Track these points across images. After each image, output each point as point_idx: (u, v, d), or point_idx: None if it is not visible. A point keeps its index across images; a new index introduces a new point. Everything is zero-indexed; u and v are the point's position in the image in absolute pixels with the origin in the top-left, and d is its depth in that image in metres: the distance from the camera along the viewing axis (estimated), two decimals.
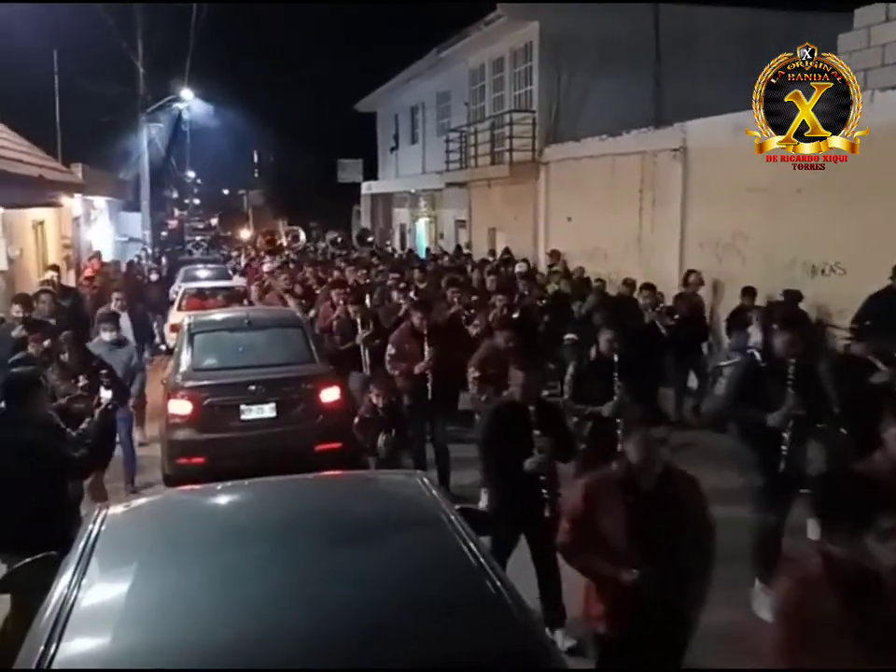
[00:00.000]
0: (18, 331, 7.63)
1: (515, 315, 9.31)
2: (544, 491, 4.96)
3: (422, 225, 26.46)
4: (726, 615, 4.67)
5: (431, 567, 2.80)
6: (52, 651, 2.30)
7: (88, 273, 16.05)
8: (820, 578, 2.81)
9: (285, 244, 30.35)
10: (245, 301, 13.00)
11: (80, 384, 5.81)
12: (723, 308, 10.66)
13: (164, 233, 39.65)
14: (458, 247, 20.02)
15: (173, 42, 25.04)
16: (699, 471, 3.99)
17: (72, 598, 2.55)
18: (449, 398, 8.06)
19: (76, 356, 6.78)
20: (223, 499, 3.67)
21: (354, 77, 29.09)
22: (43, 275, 13.12)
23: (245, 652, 2.30)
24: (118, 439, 7.48)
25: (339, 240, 29.19)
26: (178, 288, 16.04)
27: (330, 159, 35.44)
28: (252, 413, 7.67)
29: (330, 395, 7.83)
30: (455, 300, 9.66)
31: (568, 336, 9.23)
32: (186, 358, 8.00)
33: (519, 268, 14.14)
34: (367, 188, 31.16)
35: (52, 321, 8.44)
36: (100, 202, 24.28)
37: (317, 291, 12.00)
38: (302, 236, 26.55)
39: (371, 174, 31.81)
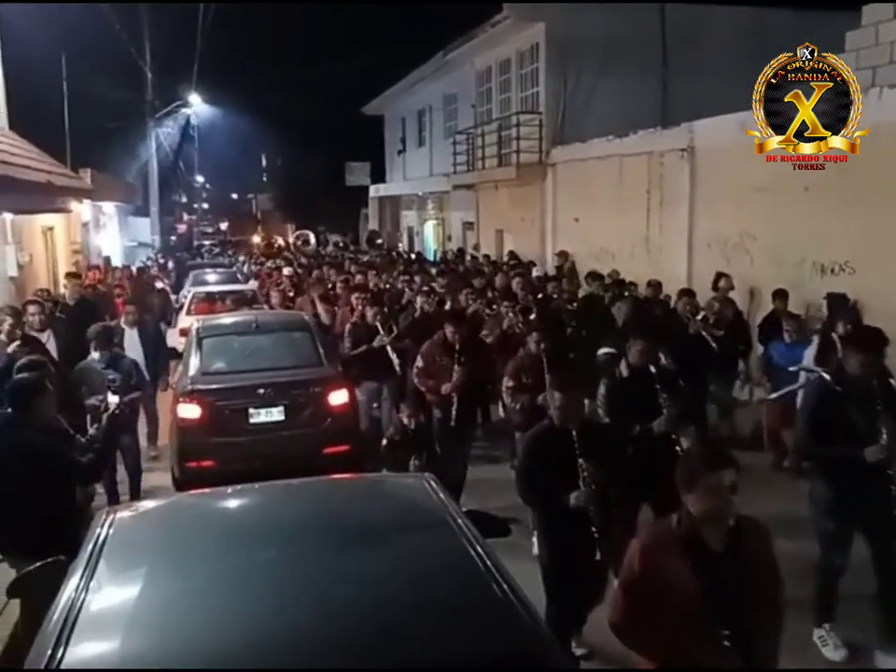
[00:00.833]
0: (13, 347, 7.05)
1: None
2: (594, 529, 4.40)
3: (430, 227, 26.48)
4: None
5: (439, 570, 2.79)
6: (60, 654, 2.31)
7: (87, 282, 15.07)
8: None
9: (283, 245, 30.43)
10: (266, 306, 12.36)
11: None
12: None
13: (173, 238, 39.78)
14: (461, 250, 20.03)
15: (180, 47, 25.19)
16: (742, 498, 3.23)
17: (80, 602, 2.56)
18: (472, 417, 7.75)
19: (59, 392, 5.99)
20: (232, 503, 3.67)
21: (361, 80, 29.19)
22: (64, 282, 12.34)
23: (253, 656, 2.30)
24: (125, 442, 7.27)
25: (341, 243, 29.27)
26: (187, 293, 16.09)
27: (338, 162, 35.56)
28: (261, 416, 7.67)
29: (339, 398, 7.83)
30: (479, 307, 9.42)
31: (604, 350, 8.17)
32: (194, 362, 8.01)
33: (538, 272, 13.73)
34: (374, 191, 31.23)
35: (45, 334, 8.13)
36: (109, 207, 24.43)
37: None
38: (312, 240, 26.41)
39: (378, 176, 31.87)
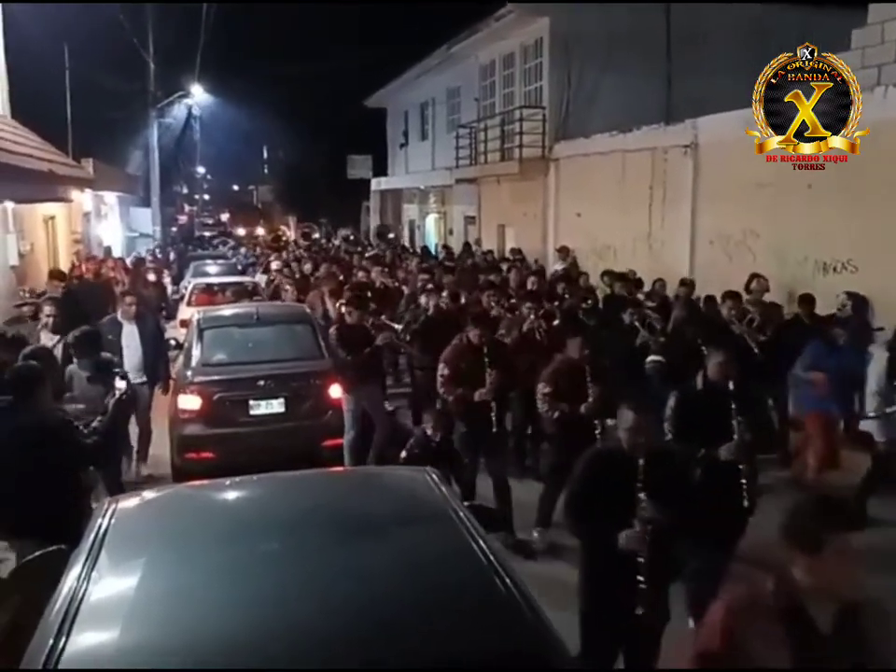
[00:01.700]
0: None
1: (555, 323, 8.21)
2: (640, 579, 3.81)
3: (431, 221, 26.45)
4: None
5: (440, 564, 2.78)
6: (61, 645, 2.31)
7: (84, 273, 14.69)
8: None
9: (291, 238, 30.25)
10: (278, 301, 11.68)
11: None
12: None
13: (174, 229, 39.73)
14: (467, 244, 19.98)
15: (183, 38, 25.12)
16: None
17: (81, 593, 2.55)
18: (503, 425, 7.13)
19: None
20: (232, 494, 3.67)
21: (363, 73, 29.11)
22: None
23: (253, 648, 2.30)
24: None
25: (351, 237, 29.12)
26: (187, 283, 16.08)
27: (340, 155, 35.51)
28: (261, 408, 7.68)
29: (339, 390, 7.83)
30: (493, 304, 9.01)
31: (653, 358, 7.48)
32: (195, 354, 8.01)
33: (559, 268, 13.33)
34: (376, 184, 31.17)
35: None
36: (110, 197, 24.41)
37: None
38: (316, 234, 26.02)
39: (380, 170, 31.83)
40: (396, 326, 9.25)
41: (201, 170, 59.89)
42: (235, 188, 70.18)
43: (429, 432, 6.23)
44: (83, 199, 18.50)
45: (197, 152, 51.60)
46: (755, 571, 4.16)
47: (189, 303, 13.86)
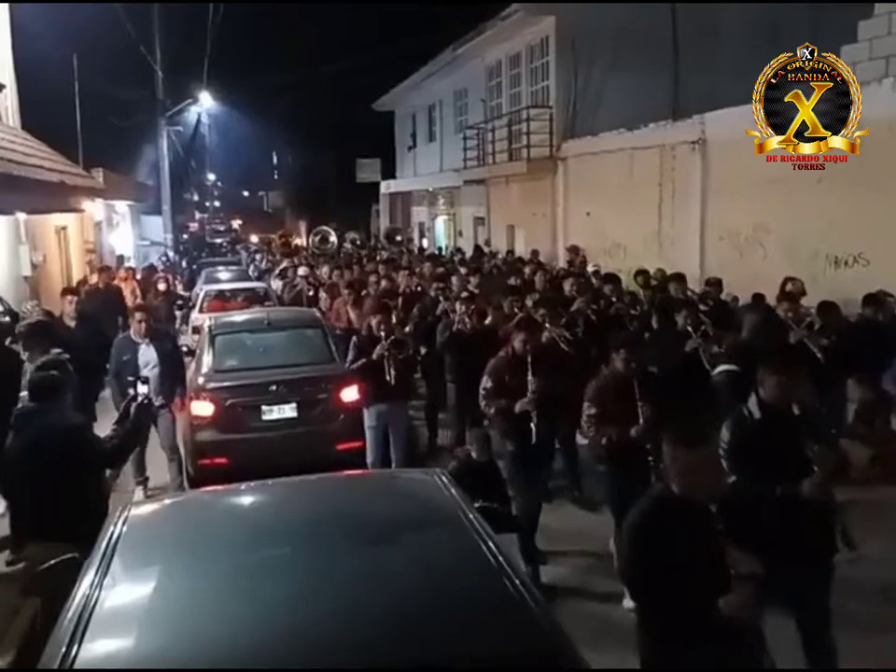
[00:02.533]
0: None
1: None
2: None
3: (440, 223, 26.48)
4: None
5: (451, 567, 2.78)
6: (74, 652, 2.32)
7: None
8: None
9: (301, 244, 30.12)
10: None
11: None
12: None
13: (185, 236, 39.90)
14: (478, 247, 19.97)
15: (190, 45, 25.23)
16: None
17: (94, 599, 2.57)
18: (550, 442, 6.56)
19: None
20: (245, 500, 3.69)
21: (371, 76, 29.14)
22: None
23: (266, 653, 2.30)
24: None
25: (358, 241, 29.04)
26: (199, 290, 16.14)
27: (349, 158, 35.61)
28: (273, 413, 7.70)
29: (351, 394, 7.84)
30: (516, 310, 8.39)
31: (725, 368, 6.34)
32: (207, 360, 8.05)
33: (594, 267, 12.59)
34: (385, 187, 31.25)
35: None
36: (121, 206, 24.53)
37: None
38: (333, 237, 25.19)
39: (389, 173, 31.89)
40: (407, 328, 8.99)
41: (211, 177, 60.18)
42: (245, 194, 70.40)
43: (474, 455, 5.70)
44: (94, 208, 18.60)
45: (207, 159, 51.88)
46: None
47: (201, 310, 13.91)
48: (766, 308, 7.99)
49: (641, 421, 5.23)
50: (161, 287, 14.32)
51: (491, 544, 2.83)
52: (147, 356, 7.54)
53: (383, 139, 32.12)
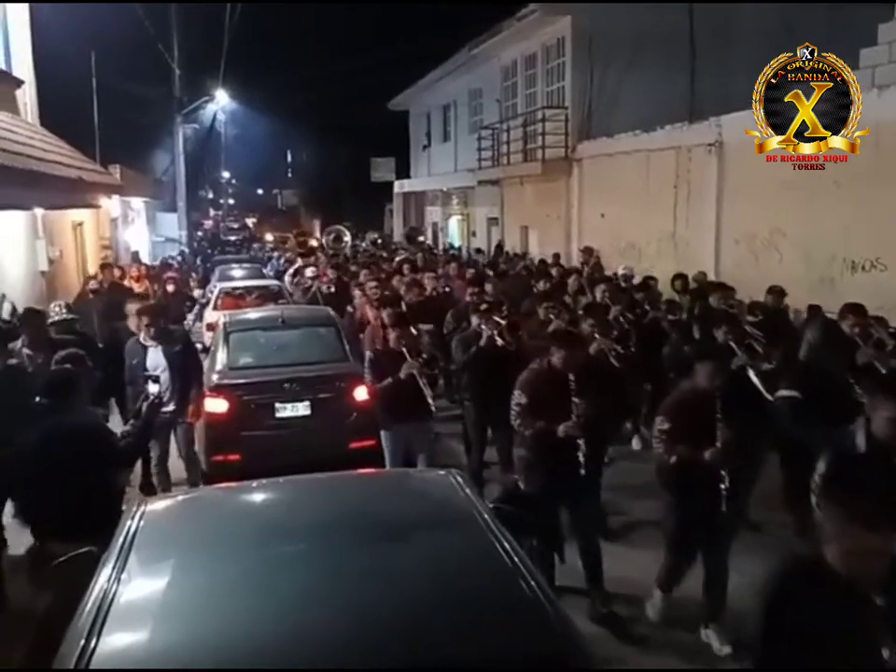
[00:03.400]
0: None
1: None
2: None
3: (454, 223, 26.47)
4: None
5: (465, 566, 2.79)
6: (92, 646, 2.34)
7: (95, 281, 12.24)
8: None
9: (316, 244, 30.10)
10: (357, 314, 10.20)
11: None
12: None
13: (199, 233, 40.06)
14: (499, 246, 19.87)
15: (207, 43, 25.32)
16: None
17: (111, 594, 2.59)
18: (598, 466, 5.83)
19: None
20: (259, 497, 3.70)
21: (386, 75, 29.20)
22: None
23: (281, 650, 2.32)
24: None
25: (379, 241, 28.95)
26: (213, 287, 16.19)
27: (363, 157, 35.69)
28: (287, 411, 7.73)
29: (364, 393, 7.84)
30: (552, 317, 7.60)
31: (786, 393, 5.77)
32: (221, 357, 8.09)
33: (624, 270, 11.76)
34: (399, 186, 31.26)
35: None
36: (137, 202, 24.68)
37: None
38: (347, 237, 24.63)
39: (403, 172, 31.90)
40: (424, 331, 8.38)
41: (226, 174, 60.38)
42: (259, 192, 70.60)
43: (521, 484, 5.09)
44: (111, 205, 18.71)
45: (222, 157, 52.07)
46: None
47: (215, 307, 13.95)
48: (827, 322, 6.92)
49: (718, 443, 4.61)
50: (171, 288, 13.53)
51: (506, 544, 2.83)
52: (156, 359, 7.16)
53: (397, 138, 32.12)
